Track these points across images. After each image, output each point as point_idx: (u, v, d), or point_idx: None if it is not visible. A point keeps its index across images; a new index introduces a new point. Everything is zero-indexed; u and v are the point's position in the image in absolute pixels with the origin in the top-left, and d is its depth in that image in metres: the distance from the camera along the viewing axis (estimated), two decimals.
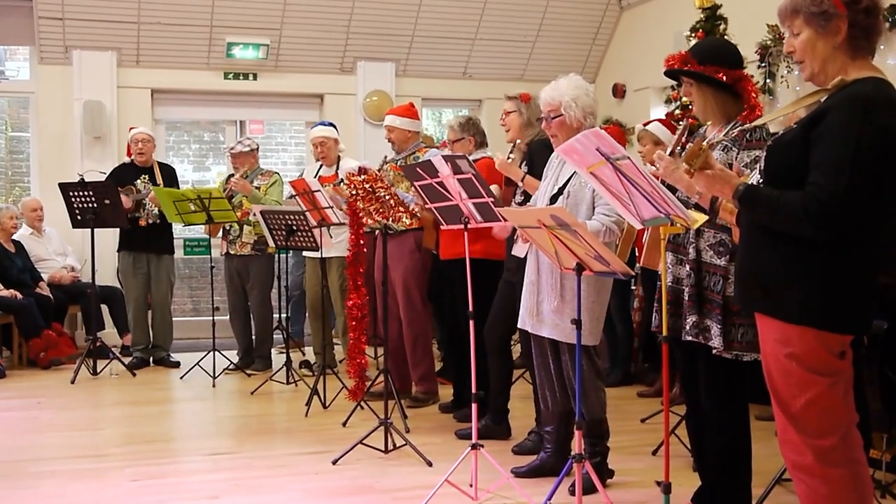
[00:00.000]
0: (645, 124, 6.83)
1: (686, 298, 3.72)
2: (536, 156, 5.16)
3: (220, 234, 8.05)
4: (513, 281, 5.25)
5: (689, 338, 3.69)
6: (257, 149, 8.14)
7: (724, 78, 3.70)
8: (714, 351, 3.64)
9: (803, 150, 2.74)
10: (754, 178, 3.00)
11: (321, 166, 7.61)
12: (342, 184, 6.04)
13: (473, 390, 4.52)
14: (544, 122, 4.61)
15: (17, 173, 10.20)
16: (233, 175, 8.02)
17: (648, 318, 4.74)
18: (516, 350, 6.19)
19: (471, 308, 4.58)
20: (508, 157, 5.15)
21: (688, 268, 3.72)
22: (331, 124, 7.76)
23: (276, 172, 8.21)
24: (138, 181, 8.15)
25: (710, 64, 3.71)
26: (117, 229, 8.31)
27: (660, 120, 6.96)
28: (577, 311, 3.81)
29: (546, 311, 4.46)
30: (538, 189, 4.72)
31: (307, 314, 8.06)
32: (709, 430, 3.80)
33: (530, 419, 5.40)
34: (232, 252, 8.01)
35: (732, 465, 3.74)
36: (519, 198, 5.27)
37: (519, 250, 4.73)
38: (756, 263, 2.89)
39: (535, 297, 4.54)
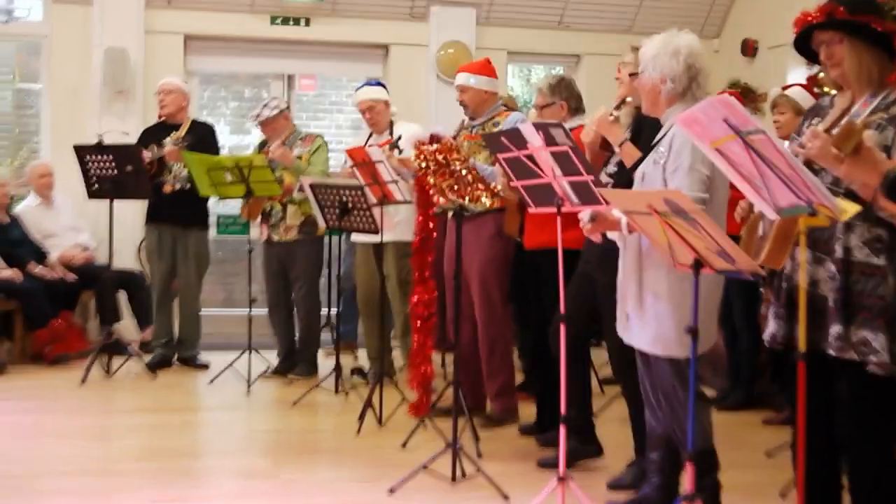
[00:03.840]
0: (784, 89, 6.71)
1: (831, 305, 3.64)
2: (645, 125, 5.04)
3: (260, 218, 8.00)
4: (594, 276, 5.18)
5: (833, 352, 3.62)
6: (287, 108, 8.13)
7: (879, 28, 3.58)
8: (871, 367, 3.55)
9: None
10: None
11: (371, 134, 7.58)
12: (409, 154, 6.01)
13: (562, 410, 4.47)
14: None
15: (25, 132, 10.38)
16: (266, 143, 8.02)
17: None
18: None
19: (562, 309, 4.54)
20: (611, 115, 5.03)
21: (833, 268, 3.64)
22: (379, 83, 7.72)
23: (318, 135, 8.17)
24: (167, 139, 8.14)
25: (861, 14, 3.60)
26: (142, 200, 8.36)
27: (801, 85, 6.83)
28: (692, 317, 3.74)
29: (631, 314, 4.42)
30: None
31: (360, 311, 8.07)
32: (852, 461, 3.74)
33: (629, 448, 5.33)
34: (275, 238, 7.98)
35: (883, 499, 3.68)
36: (612, 168, 5.19)
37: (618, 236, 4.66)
38: None
39: (622, 299, 4.51)
